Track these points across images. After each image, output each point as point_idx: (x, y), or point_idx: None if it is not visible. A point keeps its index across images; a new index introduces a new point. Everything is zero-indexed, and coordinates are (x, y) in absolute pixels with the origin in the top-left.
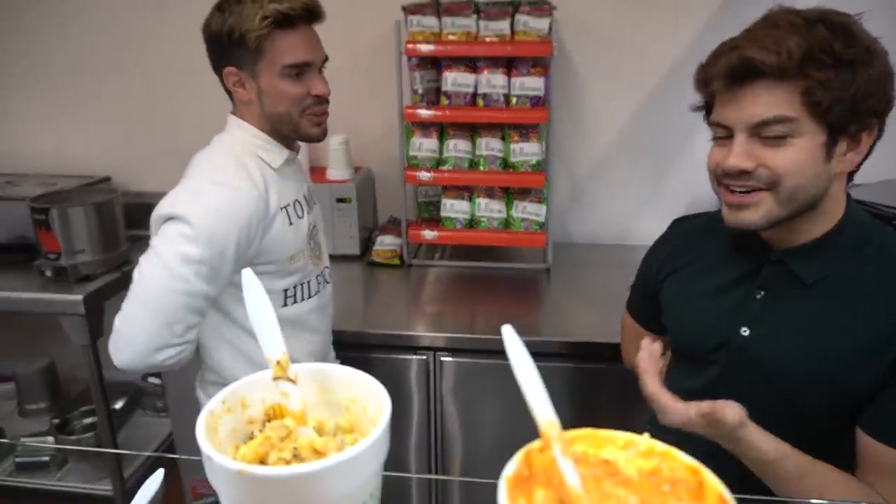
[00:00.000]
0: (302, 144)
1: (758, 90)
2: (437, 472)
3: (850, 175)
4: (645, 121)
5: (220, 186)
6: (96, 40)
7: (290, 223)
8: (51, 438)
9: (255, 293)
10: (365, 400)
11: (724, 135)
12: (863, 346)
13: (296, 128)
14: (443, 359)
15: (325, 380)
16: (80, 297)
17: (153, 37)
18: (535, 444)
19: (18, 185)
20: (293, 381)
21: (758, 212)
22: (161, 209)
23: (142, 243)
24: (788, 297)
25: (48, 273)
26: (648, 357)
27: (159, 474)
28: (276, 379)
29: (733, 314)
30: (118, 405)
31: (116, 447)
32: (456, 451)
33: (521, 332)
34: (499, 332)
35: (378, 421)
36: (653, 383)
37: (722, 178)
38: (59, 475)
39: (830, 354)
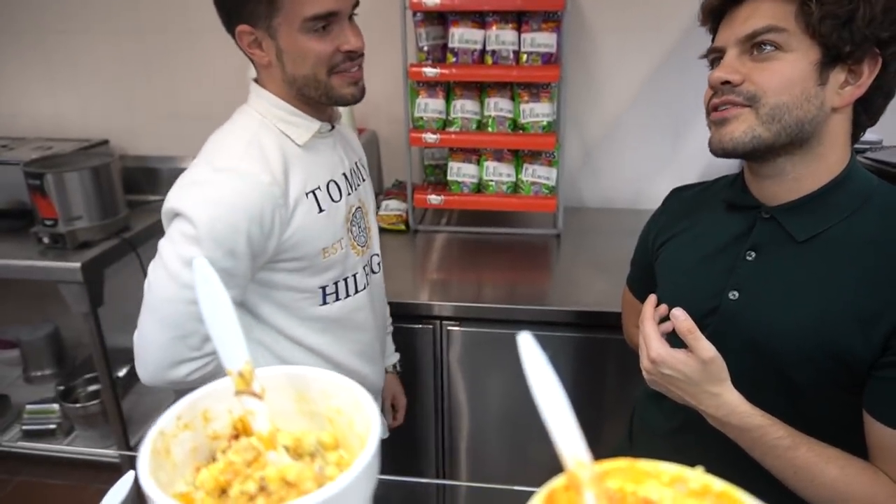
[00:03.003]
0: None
1: (752, 7)
2: (443, 443)
3: (857, 129)
4: (661, 80)
5: (224, 173)
6: (93, 2)
7: (321, 210)
8: (56, 405)
9: (209, 288)
10: (351, 412)
11: (717, 57)
12: (856, 312)
13: (326, 91)
14: (449, 328)
15: (304, 387)
16: (77, 264)
17: None
18: (558, 482)
19: (15, 149)
20: (259, 397)
21: (739, 126)
22: (166, 202)
23: (141, 209)
24: (779, 256)
25: (45, 240)
26: (652, 305)
27: (129, 477)
28: (238, 394)
29: (723, 278)
30: (122, 372)
31: (121, 414)
32: (463, 422)
33: (529, 300)
34: (507, 301)
35: (367, 440)
36: (650, 323)
37: (710, 98)
38: (65, 442)
39: (820, 316)
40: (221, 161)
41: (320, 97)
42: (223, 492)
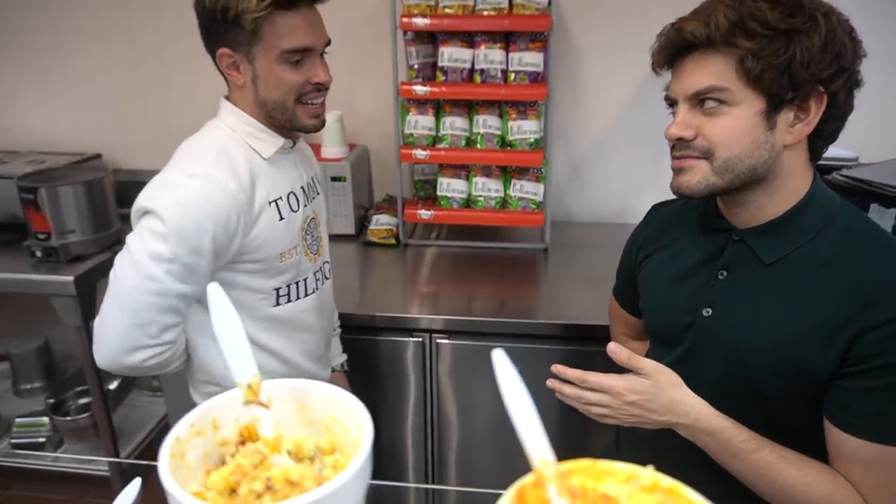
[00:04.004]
0: None
1: (694, 62)
2: (433, 455)
3: (815, 153)
4: (646, 96)
5: (195, 178)
6: (87, 16)
7: (281, 218)
8: (46, 419)
9: (221, 310)
10: (345, 419)
11: (674, 108)
12: (820, 327)
13: (291, 118)
14: (439, 341)
15: (304, 398)
16: (70, 277)
17: (144, 12)
18: (528, 479)
19: (8, 163)
20: (265, 406)
21: (694, 176)
22: (137, 202)
23: None
24: (749, 277)
25: (38, 253)
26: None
27: (136, 483)
28: (247, 404)
29: (698, 295)
30: (114, 385)
31: (112, 427)
32: (452, 434)
33: (517, 313)
34: (495, 314)
35: (360, 444)
36: (595, 374)
37: (671, 149)
38: (55, 455)
39: (786, 334)
40: (193, 168)
41: (285, 122)
42: (233, 491)
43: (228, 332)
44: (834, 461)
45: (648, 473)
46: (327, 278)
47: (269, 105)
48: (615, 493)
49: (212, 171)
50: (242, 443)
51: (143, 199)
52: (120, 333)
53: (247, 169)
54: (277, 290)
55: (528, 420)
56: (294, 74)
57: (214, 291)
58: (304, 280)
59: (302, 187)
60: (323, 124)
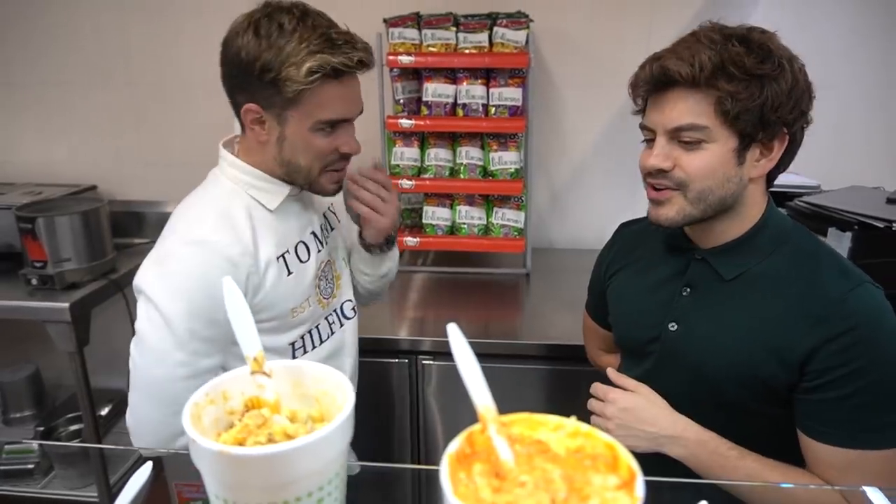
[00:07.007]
0: None
1: (675, 98)
2: (420, 473)
3: (769, 181)
4: (621, 127)
5: (195, 246)
6: (83, 50)
7: (290, 273)
8: (35, 445)
9: (234, 299)
10: (334, 392)
11: (650, 137)
12: (776, 339)
13: (312, 183)
14: (425, 362)
15: (299, 376)
16: (66, 304)
17: (140, 47)
18: (476, 427)
19: (5, 194)
20: (268, 375)
21: (672, 208)
22: (138, 278)
23: (128, 251)
24: (711, 293)
25: (34, 281)
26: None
27: (147, 467)
28: (253, 373)
29: (664, 310)
30: (104, 412)
31: (102, 453)
32: (438, 452)
33: (501, 335)
34: (480, 336)
35: (344, 407)
36: (597, 385)
37: (646, 176)
38: (44, 482)
39: (746, 347)
40: (193, 233)
41: (304, 185)
42: (240, 446)
43: (240, 316)
44: (811, 467)
45: (571, 423)
46: (347, 318)
47: (292, 167)
48: (546, 439)
49: (212, 234)
50: (247, 411)
51: (142, 280)
52: (160, 424)
53: (248, 227)
54: (293, 344)
55: (474, 377)
56: (325, 141)
57: (228, 283)
58: (317, 327)
59: (313, 232)
60: (341, 188)
